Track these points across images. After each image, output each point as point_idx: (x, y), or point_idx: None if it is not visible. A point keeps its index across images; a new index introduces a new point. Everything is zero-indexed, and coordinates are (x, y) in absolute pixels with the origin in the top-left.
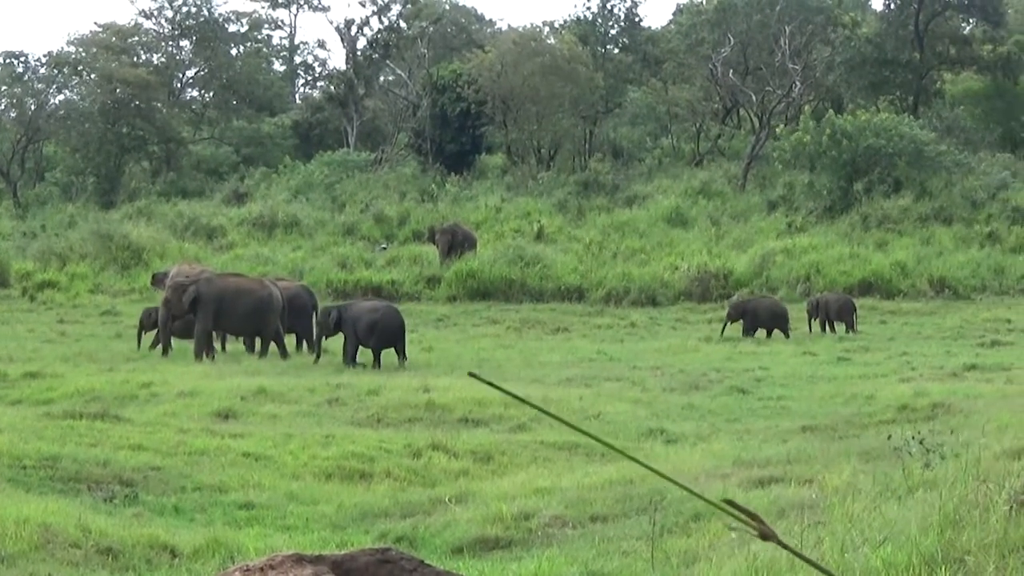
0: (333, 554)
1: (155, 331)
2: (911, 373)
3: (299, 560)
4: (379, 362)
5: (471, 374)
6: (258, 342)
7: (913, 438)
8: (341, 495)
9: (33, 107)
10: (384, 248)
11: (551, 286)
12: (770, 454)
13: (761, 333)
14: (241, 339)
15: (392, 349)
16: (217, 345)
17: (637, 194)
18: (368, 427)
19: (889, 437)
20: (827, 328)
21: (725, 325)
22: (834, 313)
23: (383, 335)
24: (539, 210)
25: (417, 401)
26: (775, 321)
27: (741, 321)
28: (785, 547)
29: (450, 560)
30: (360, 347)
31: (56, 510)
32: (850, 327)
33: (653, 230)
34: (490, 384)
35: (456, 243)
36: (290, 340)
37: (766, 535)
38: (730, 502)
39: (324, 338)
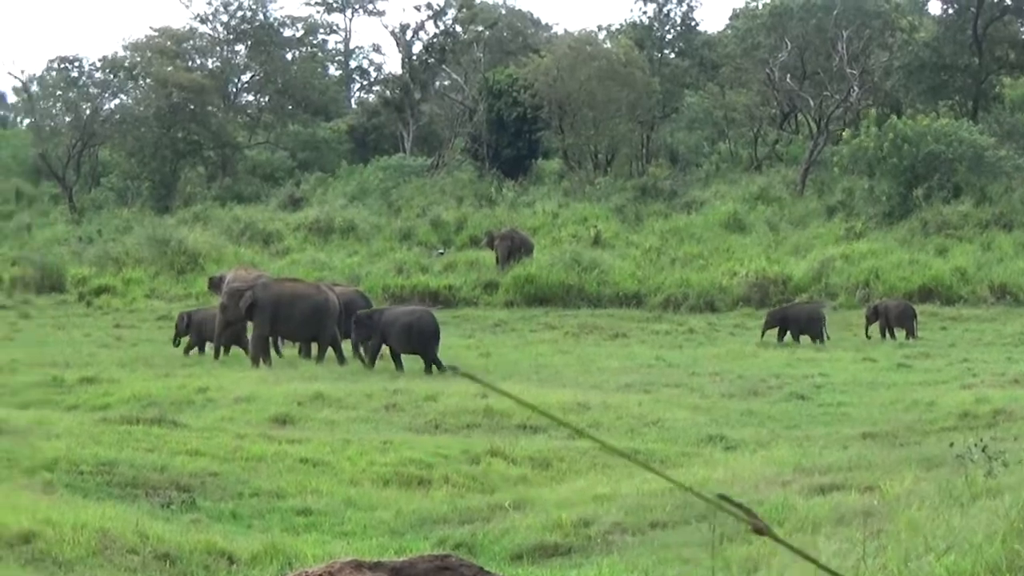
0: (392, 561)
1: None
2: (972, 380)
3: (358, 567)
4: (431, 366)
5: (452, 368)
6: (314, 347)
7: (975, 445)
8: (399, 501)
9: (88, 112)
10: (441, 253)
11: (609, 292)
12: (830, 461)
13: (802, 339)
14: (296, 345)
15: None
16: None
17: (695, 199)
18: (426, 433)
19: (951, 444)
20: (887, 334)
21: (764, 331)
22: (894, 319)
23: (419, 338)
24: (596, 215)
25: (475, 407)
26: (812, 327)
27: (779, 328)
28: (779, 540)
29: (509, 567)
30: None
31: (113, 516)
32: (910, 333)
33: (711, 235)
34: (479, 381)
35: (514, 248)
36: (346, 346)
37: (759, 529)
38: (723, 496)
39: (360, 343)
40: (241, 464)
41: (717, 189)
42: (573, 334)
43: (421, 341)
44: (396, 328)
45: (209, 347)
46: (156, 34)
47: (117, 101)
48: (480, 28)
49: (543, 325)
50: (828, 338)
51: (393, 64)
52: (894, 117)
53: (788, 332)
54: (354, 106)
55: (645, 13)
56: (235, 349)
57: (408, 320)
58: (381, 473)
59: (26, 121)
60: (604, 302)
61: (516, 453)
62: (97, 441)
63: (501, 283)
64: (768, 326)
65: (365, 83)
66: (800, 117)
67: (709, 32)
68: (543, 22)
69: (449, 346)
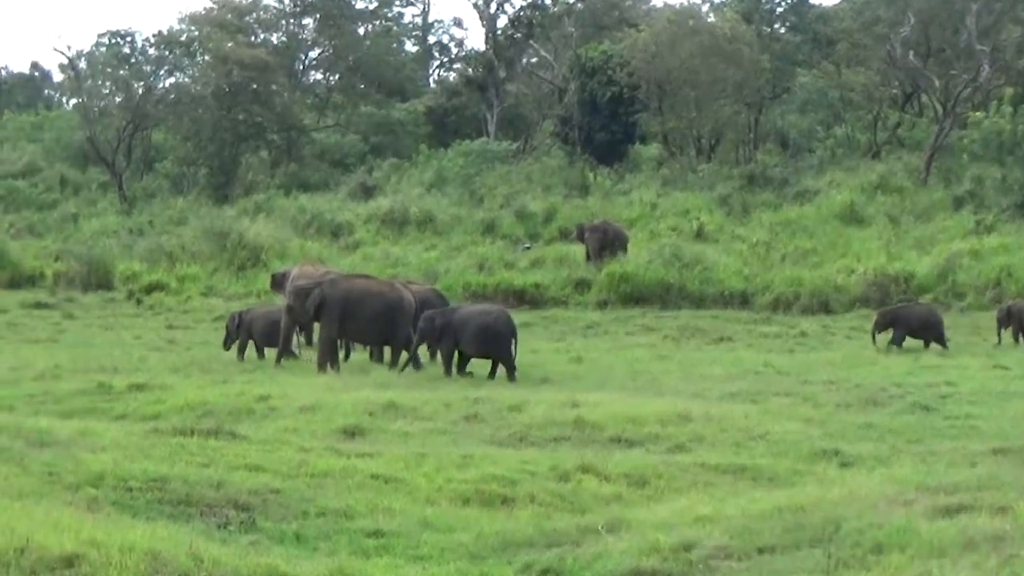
0: None
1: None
2: None
3: None
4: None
5: None
6: (387, 352)
7: None
8: (480, 522)
9: (141, 91)
10: (527, 247)
11: (712, 291)
12: (958, 479)
13: (914, 343)
14: (368, 348)
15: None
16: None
17: (808, 189)
18: (510, 447)
19: None
20: (1020, 339)
21: (874, 334)
22: None
23: (495, 341)
24: (699, 206)
25: (564, 418)
26: (927, 330)
27: (892, 330)
28: None
29: None
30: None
31: (165, 536)
32: None
33: (825, 229)
34: None
35: (607, 242)
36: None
37: None
38: None
39: (428, 347)
40: (306, 480)
41: (832, 177)
42: (673, 337)
43: (498, 344)
44: (470, 330)
45: (270, 351)
46: (216, 6)
47: (172, 80)
48: (571, 0)
49: (640, 327)
50: (948, 341)
51: (476, 39)
52: None
53: (893, 332)
54: (432, 85)
55: None
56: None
57: (484, 321)
58: (460, 491)
59: (72, 102)
60: (707, 302)
61: (609, 469)
62: (147, 454)
63: (594, 281)
64: (878, 328)
65: (445, 60)
66: (924, 98)
67: (823, 5)
68: None
69: (536, 350)
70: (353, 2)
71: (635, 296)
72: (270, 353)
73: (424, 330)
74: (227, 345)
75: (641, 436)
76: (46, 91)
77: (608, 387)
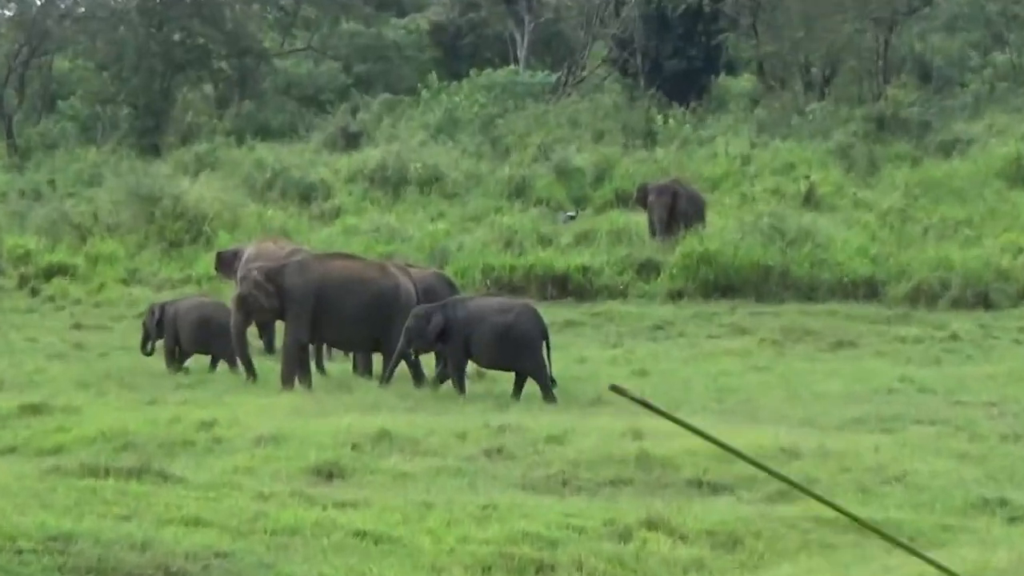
0: None
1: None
2: None
3: None
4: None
5: (614, 387)
6: (378, 360)
7: None
8: None
9: (39, 3)
10: (571, 217)
11: (828, 277)
12: None
13: None
14: (352, 356)
15: (522, 372)
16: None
17: (958, 137)
18: (548, 493)
19: None
20: None
21: None
22: None
23: (516, 347)
24: (808, 160)
25: (624, 453)
26: None
27: None
28: None
29: None
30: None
31: None
32: None
33: (983, 192)
34: (643, 403)
35: (678, 210)
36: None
37: None
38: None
39: (415, 352)
40: (264, 539)
41: (992, 121)
42: (774, 341)
43: (521, 352)
44: (483, 332)
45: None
46: None
47: None
48: None
49: (728, 328)
50: None
51: None
52: None
53: None
54: None
55: None
56: (257, 358)
57: (501, 320)
58: (479, 554)
59: None
60: (821, 293)
61: (687, 525)
62: (45, 503)
63: (663, 263)
64: None
65: None
66: None
67: None
68: None
69: (585, 359)
70: None
71: (720, 284)
72: (200, 360)
73: (414, 330)
74: (146, 348)
75: (730, 478)
76: None
77: (684, 410)
